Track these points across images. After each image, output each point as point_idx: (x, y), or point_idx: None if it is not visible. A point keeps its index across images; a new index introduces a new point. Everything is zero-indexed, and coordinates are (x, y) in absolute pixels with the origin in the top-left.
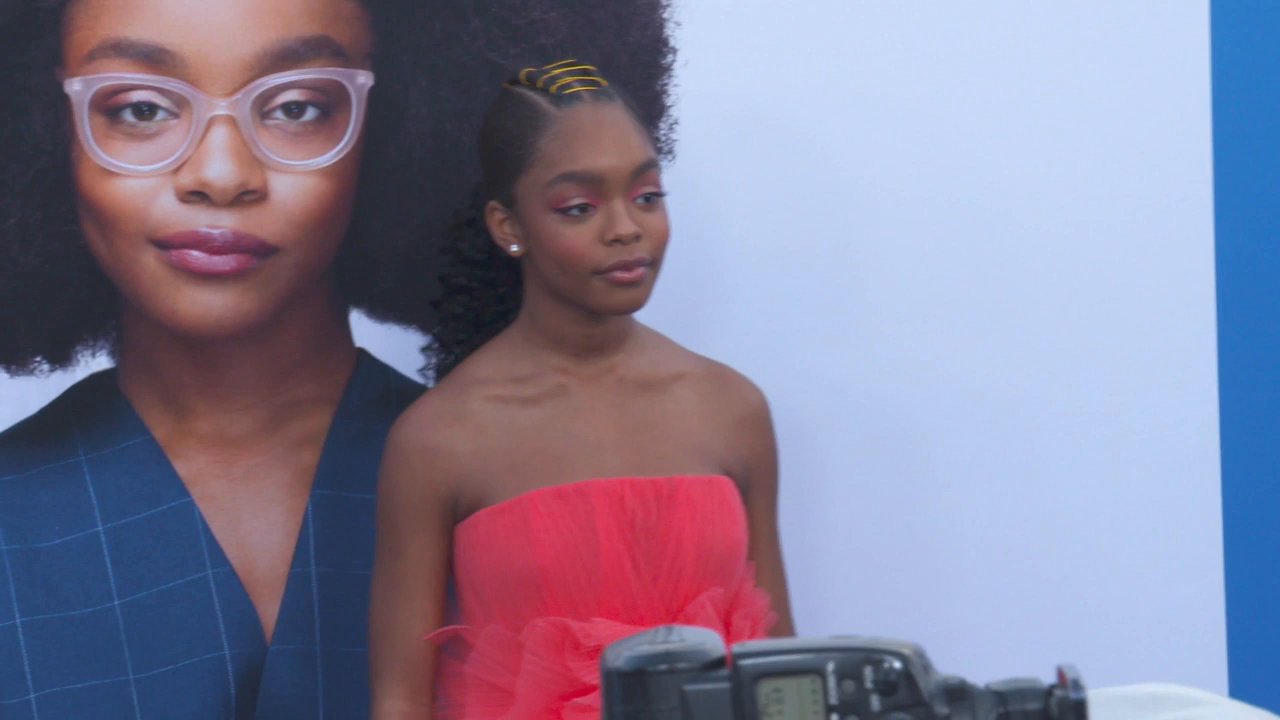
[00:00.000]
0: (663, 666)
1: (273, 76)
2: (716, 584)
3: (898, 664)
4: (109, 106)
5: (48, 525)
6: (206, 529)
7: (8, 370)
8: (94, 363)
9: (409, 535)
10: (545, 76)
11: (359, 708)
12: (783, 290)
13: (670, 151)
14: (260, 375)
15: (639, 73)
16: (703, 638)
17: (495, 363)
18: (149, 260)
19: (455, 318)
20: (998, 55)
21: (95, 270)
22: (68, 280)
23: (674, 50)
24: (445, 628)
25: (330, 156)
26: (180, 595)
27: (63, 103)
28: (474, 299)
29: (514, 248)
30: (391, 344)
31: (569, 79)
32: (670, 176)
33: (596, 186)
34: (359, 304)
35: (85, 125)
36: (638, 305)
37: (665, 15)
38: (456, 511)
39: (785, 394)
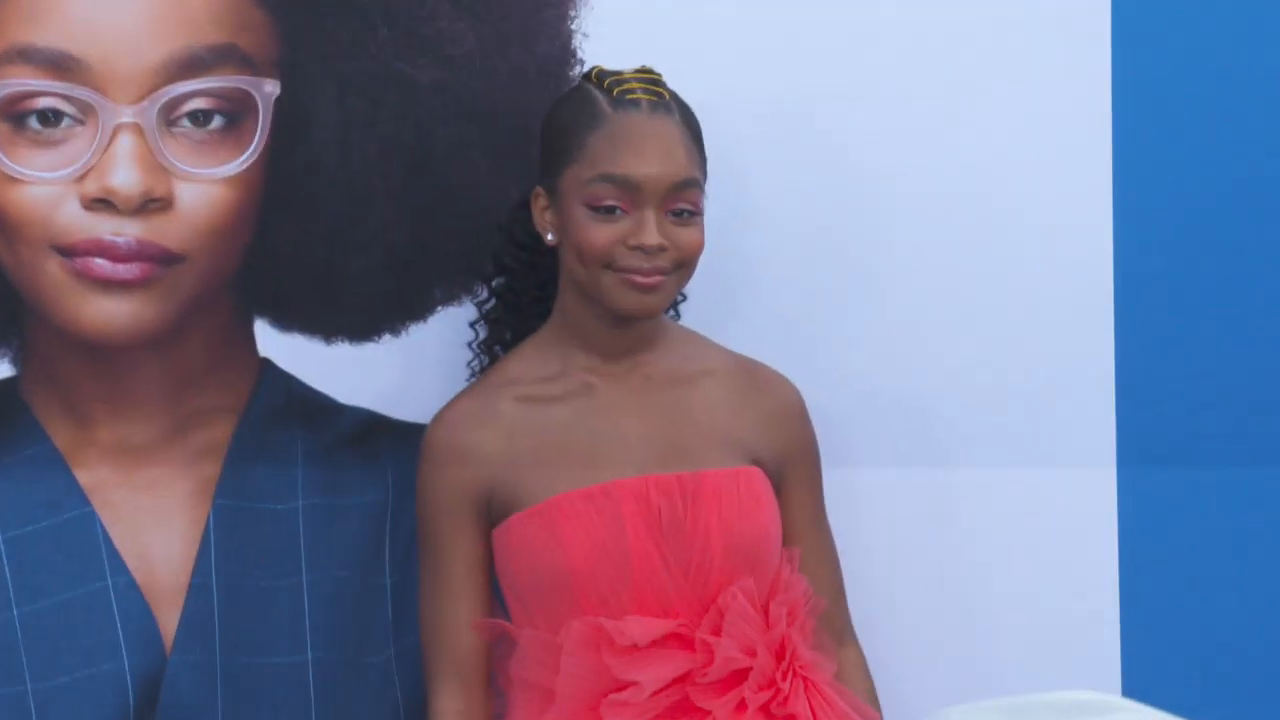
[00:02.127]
0: None
1: (179, 84)
2: (747, 574)
3: None
4: (14, 113)
5: None
6: (107, 538)
7: None
8: None
9: (447, 535)
10: (612, 78)
11: (258, 719)
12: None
13: None
14: (163, 384)
15: (547, 84)
16: None
17: (526, 363)
18: (52, 267)
19: (498, 296)
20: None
21: None
22: None
23: (581, 62)
24: (489, 620)
25: (236, 165)
26: (79, 605)
27: None
28: (514, 280)
29: (550, 236)
30: (295, 354)
31: (634, 84)
32: None
33: (632, 193)
34: (263, 314)
35: None
36: (652, 311)
37: (573, 27)
38: (490, 511)
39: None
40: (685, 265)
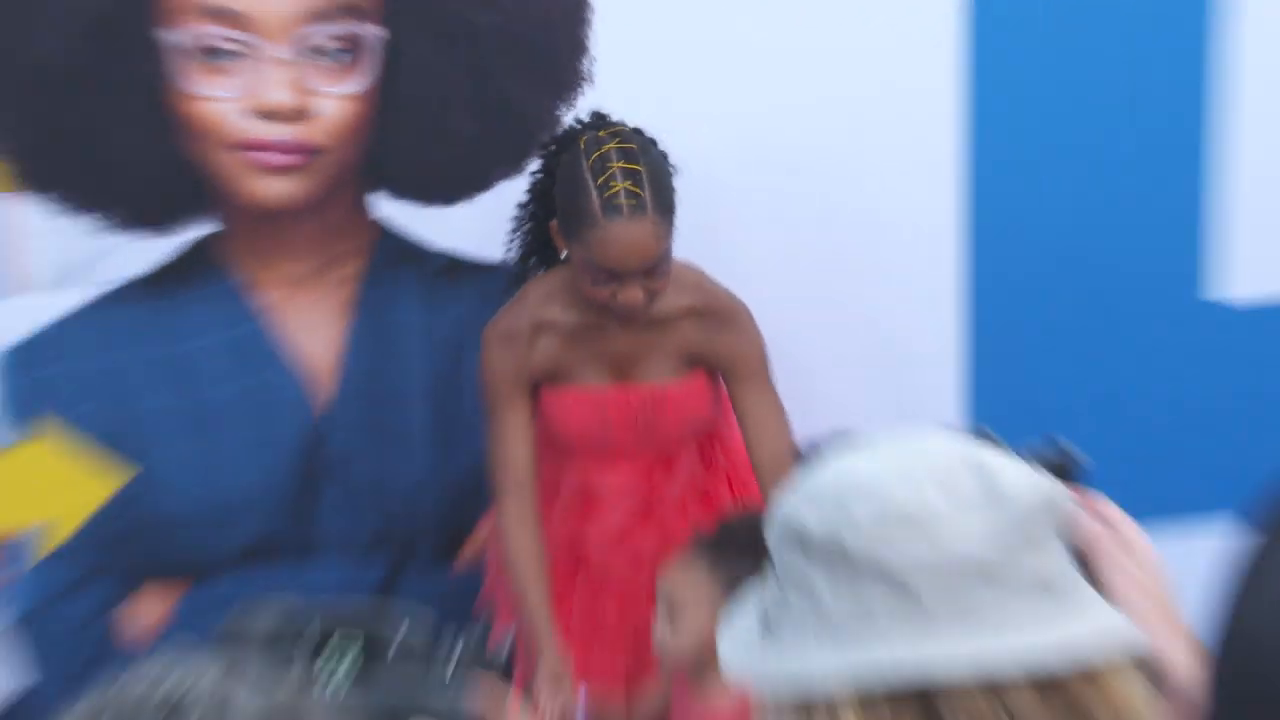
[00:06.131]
0: None
1: (314, 27)
2: (691, 438)
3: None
4: (199, 50)
5: (194, 328)
6: (275, 343)
7: (148, 229)
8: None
9: (505, 399)
10: (603, 176)
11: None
12: None
13: (589, 80)
14: (312, 236)
15: (567, 18)
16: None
17: (555, 293)
18: (235, 159)
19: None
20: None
21: (190, 168)
22: (163, 178)
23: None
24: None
25: (357, 86)
26: (255, 387)
27: (161, 50)
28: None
29: (564, 254)
30: (403, 215)
31: (619, 189)
32: None
33: (620, 276)
34: (379, 187)
35: (179, 65)
36: (637, 321)
37: None
38: (534, 381)
39: None
40: (661, 292)
